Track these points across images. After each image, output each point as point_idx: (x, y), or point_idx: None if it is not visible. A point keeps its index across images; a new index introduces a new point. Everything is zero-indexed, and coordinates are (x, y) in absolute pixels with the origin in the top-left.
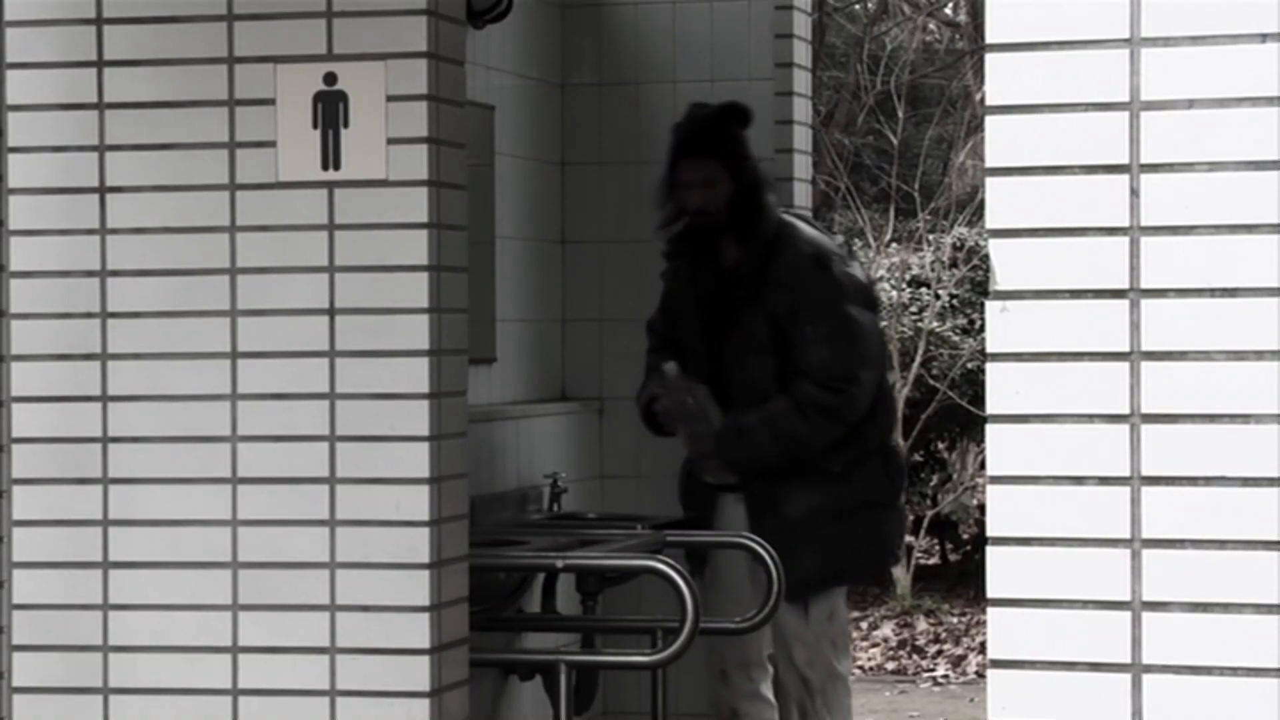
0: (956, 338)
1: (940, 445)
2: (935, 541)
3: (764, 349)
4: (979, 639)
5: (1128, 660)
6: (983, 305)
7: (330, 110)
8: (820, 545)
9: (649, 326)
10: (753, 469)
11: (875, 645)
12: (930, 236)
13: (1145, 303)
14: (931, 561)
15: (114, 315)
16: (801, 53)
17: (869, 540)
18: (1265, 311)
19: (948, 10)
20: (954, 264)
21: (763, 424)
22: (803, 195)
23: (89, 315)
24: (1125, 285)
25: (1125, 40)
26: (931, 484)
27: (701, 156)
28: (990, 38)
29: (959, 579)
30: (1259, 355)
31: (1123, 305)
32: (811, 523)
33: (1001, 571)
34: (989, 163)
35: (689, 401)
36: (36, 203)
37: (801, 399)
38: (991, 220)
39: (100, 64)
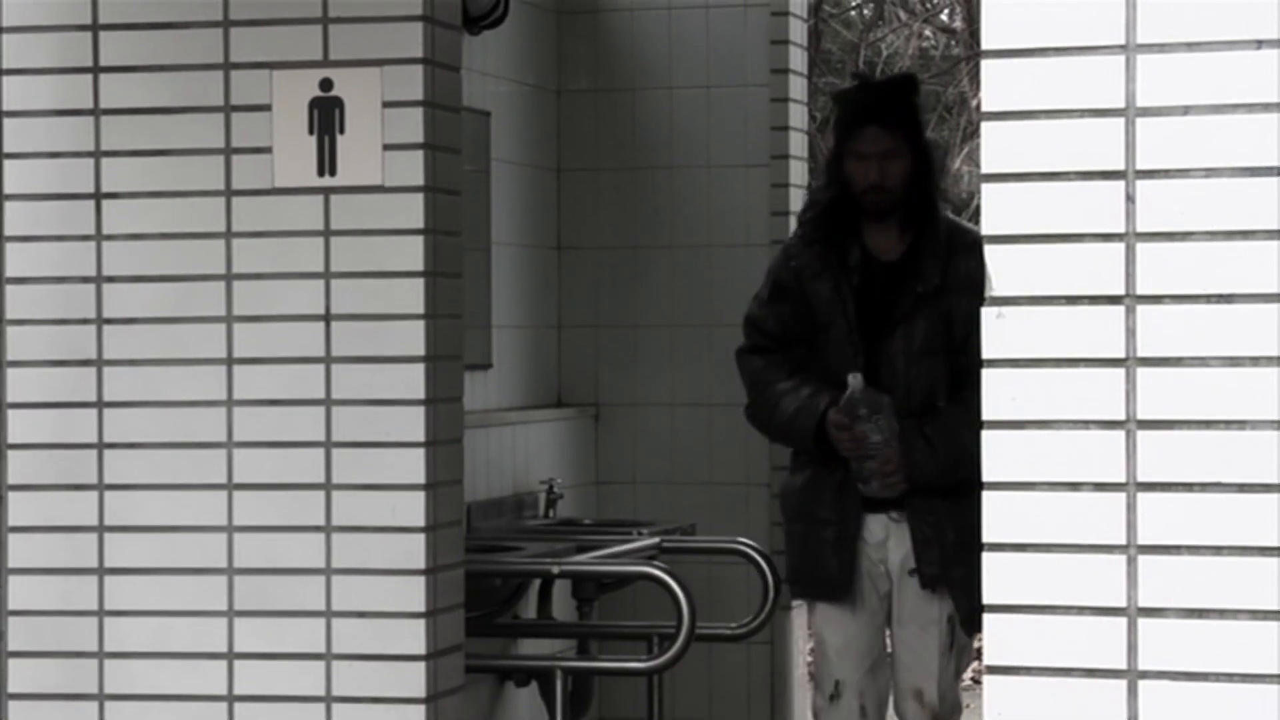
0: None
1: None
2: None
3: (938, 351)
4: (975, 645)
5: (1124, 666)
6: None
7: (326, 116)
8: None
9: (753, 323)
10: (930, 484)
11: None
12: None
13: (1141, 309)
14: None
15: (110, 321)
16: (797, 59)
17: None
18: (1262, 318)
19: (944, 16)
20: None
21: (969, 441)
22: (798, 201)
23: (85, 321)
24: (1121, 291)
25: (1121, 46)
26: None
27: (884, 125)
28: (986, 44)
29: None
30: (1255, 361)
31: (1119, 311)
32: (978, 550)
33: (997, 577)
34: (985, 168)
35: (877, 423)
36: (32, 208)
37: None
38: (987, 226)
39: (96, 69)
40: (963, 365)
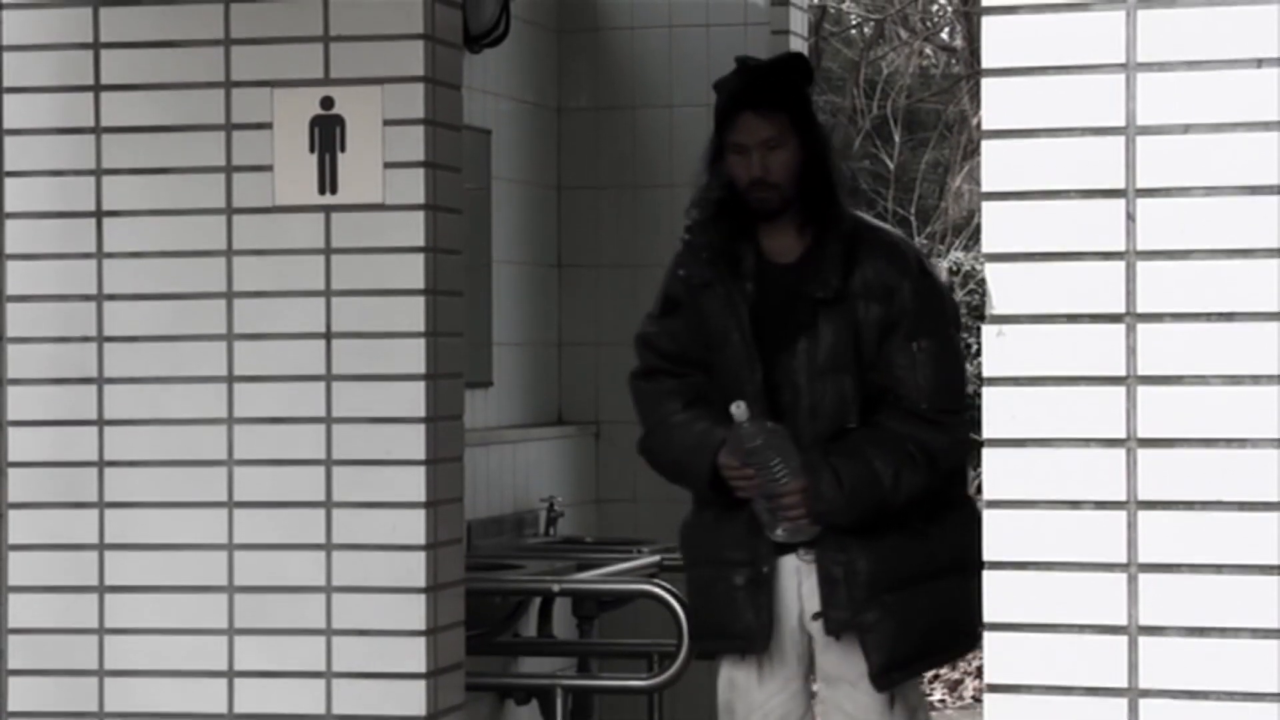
0: None
1: None
2: None
3: (844, 367)
4: (976, 663)
5: (1124, 685)
6: (979, 329)
7: (327, 134)
8: (908, 619)
9: (645, 342)
10: (840, 522)
11: None
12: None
13: (1142, 327)
14: None
15: (110, 339)
16: None
17: (960, 609)
18: (1262, 336)
19: (944, 35)
20: (950, 288)
21: (882, 471)
22: None
23: (85, 339)
24: (1122, 309)
25: (1121, 65)
26: None
27: (764, 111)
28: (987, 62)
29: None
30: (1255, 380)
31: (1119, 329)
32: (897, 591)
33: (998, 595)
34: (985, 187)
35: (772, 462)
36: (33, 227)
37: (906, 434)
38: (988, 244)
39: (97, 88)
40: (875, 383)
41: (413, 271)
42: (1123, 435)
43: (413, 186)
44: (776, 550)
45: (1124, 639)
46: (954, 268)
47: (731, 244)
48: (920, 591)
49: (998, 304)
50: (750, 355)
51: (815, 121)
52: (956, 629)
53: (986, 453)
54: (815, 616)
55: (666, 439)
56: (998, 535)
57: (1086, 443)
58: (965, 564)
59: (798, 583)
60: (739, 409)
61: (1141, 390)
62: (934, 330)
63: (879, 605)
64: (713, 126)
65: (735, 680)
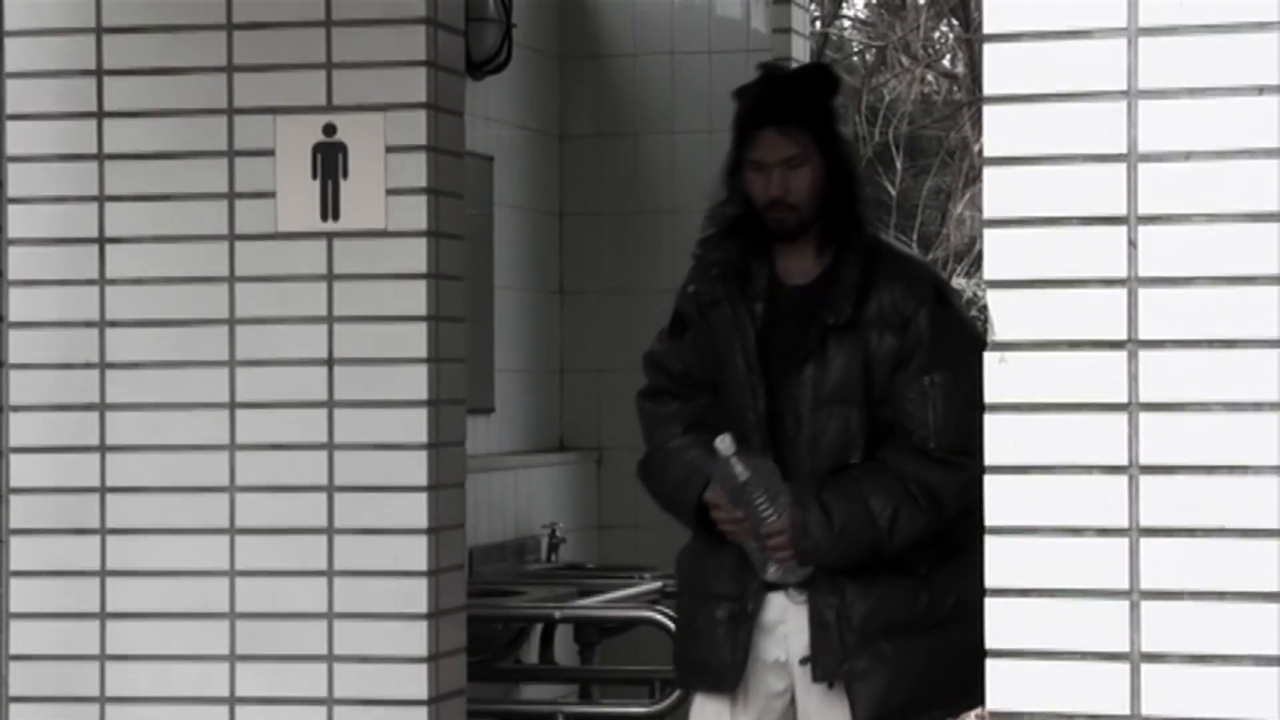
0: None
1: None
2: None
3: (851, 398)
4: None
5: (1127, 712)
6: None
7: (329, 161)
8: (902, 669)
9: (652, 361)
10: (828, 563)
11: None
12: None
13: (1144, 354)
14: None
15: (113, 366)
16: None
17: (960, 661)
18: (1264, 363)
19: (945, 62)
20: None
21: (878, 510)
22: None
23: (88, 366)
24: (1123, 336)
25: (1123, 92)
26: None
27: (786, 127)
28: (988, 89)
29: None
30: (1258, 407)
31: (1121, 356)
32: (893, 638)
33: (1000, 623)
34: (987, 214)
35: (758, 499)
36: (36, 253)
37: (909, 473)
38: (989, 271)
39: (100, 115)
40: (883, 417)
41: (415, 298)
42: (1125, 462)
43: (415, 213)
44: (766, 588)
45: (1126, 666)
46: None
47: (744, 262)
48: (919, 641)
49: (999, 331)
50: (754, 380)
51: (840, 138)
52: (955, 684)
53: (988, 479)
54: (803, 661)
55: (662, 465)
56: (999, 562)
57: (1088, 469)
58: (971, 613)
59: (784, 623)
60: (724, 443)
61: (1143, 417)
62: (949, 364)
63: (872, 653)
64: (732, 139)
65: (706, 715)
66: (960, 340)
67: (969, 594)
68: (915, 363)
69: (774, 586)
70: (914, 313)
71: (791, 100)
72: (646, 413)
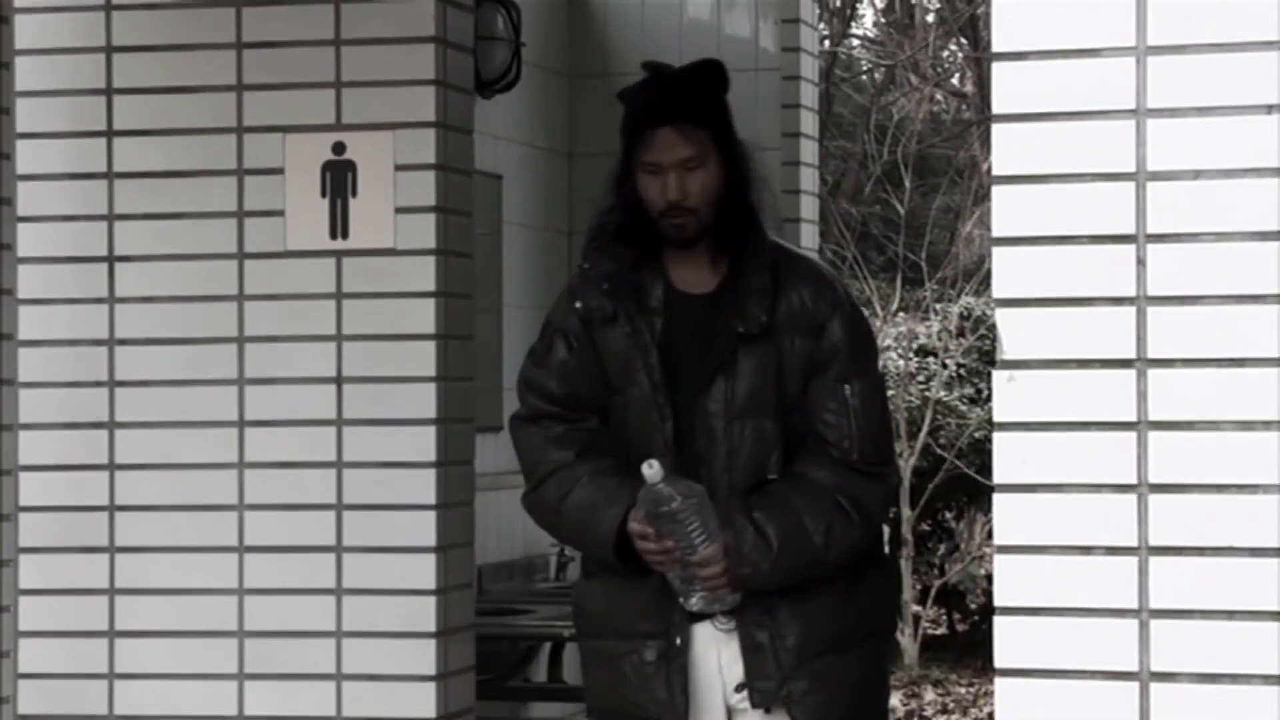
0: (964, 407)
1: (947, 515)
2: (942, 611)
3: (764, 409)
4: (987, 709)
5: None
6: (990, 375)
7: (338, 179)
8: (838, 686)
9: (529, 384)
10: (767, 586)
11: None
12: (937, 306)
13: (1152, 373)
14: (939, 631)
15: (122, 384)
16: (809, 123)
17: (877, 679)
18: (1273, 382)
19: (954, 81)
20: (961, 333)
21: (812, 527)
22: None
23: (97, 384)
24: (1132, 355)
25: (1131, 111)
26: (939, 554)
27: (683, 126)
28: (997, 108)
29: (966, 649)
30: (1266, 425)
31: (1130, 375)
32: (826, 656)
33: (1009, 641)
34: (995, 232)
35: (689, 526)
36: (45, 272)
37: (835, 486)
38: (998, 290)
39: (110, 134)
40: (798, 427)
41: (423, 316)
42: (1134, 480)
43: (424, 231)
44: (690, 619)
45: (1135, 685)
46: (965, 313)
47: (636, 273)
48: (850, 657)
49: (1008, 349)
50: (659, 399)
51: (736, 138)
52: (882, 700)
53: (997, 498)
54: (739, 688)
55: (563, 496)
56: (1009, 580)
57: (1097, 488)
58: (889, 624)
59: (717, 653)
60: (652, 469)
61: (1152, 435)
62: (865, 371)
63: (808, 673)
64: (621, 142)
65: None
66: (870, 346)
67: (886, 606)
68: (834, 370)
69: (698, 616)
70: (827, 317)
71: (687, 98)
72: (527, 439)
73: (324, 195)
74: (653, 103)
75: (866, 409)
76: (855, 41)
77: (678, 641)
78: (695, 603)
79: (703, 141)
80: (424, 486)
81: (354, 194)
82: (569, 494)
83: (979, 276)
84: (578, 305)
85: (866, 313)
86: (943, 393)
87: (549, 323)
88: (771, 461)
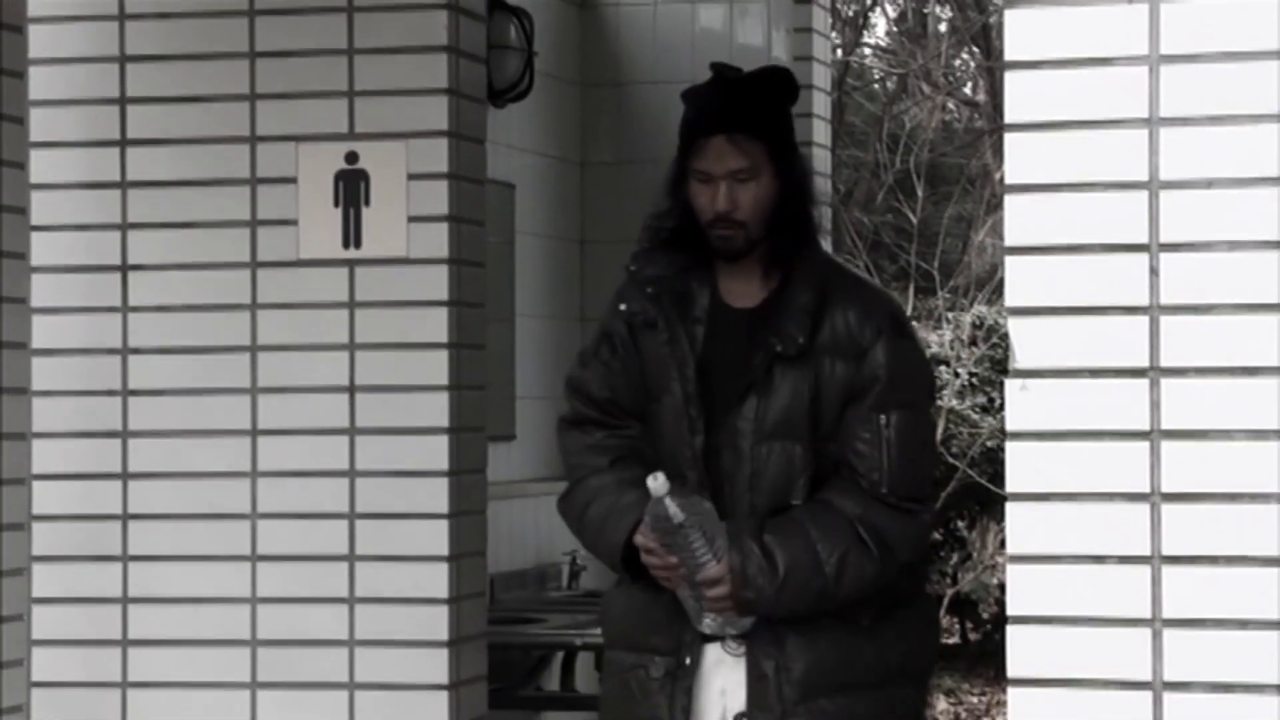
0: (976, 416)
1: (960, 524)
2: (955, 620)
3: (795, 433)
4: (1000, 719)
5: None
6: (1002, 383)
7: (351, 188)
8: None
9: (574, 386)
10: (769, 613)
11: None
12: (950, 315)
13: (1165, 381)
14: (951, 640)
15: (135, 393)
16: (821, 131)
17: None
18: None
19: (967, 90)
20: (973, 342)
21: (825, 555)
22: None
23: (110, 393)
24: (1145, 364)
25: (1144, 120)
26: (951, 563)
27: (736, 136)
28: (1009, 117)
29: (979, 658)
30: (1279, 435)
31: (1143, 384)
32: (835, 696)
33: (1022, 651)
34: (1008, 241)
35: (694, 544)
36: (59, 281)
37: (858, 515)
38: (1011, 299)
39: (123, 143)
40: (831, 455)
41: (436, 325)
42: (1147, 489)
43: (436, 240)
44: (703, 639)
45: (1148, 694)
46: (977, 322)
47: (683, 280)
48: (864, 700)
49: (1021, 358)
50: (691, 412)
51: (795, 151)
52: None
53: (1010, 507)
54: (739, 717)
55: (587, 502)
56: (1022, 590)
57: (1110, 497)
58: (917, 672)
59: (722, 677)
60: (657, 481)
61: (1165, 445)
62: (906, 403)
63: (812, 711)
64: (678, 146)
65: None
66: (917, 377)
67: (915, 652)
68: (871, 399)
69: (709, 637)
70: (871, 343)
71: (744, 107)
72: (569, 442)
73: (337, 204)
74: (708, 108)
75: (903, 442)
76: (867, 50)
77: (687, 661)
78: (708, 624)
79: (757, 153)
80: (436, 495)
81: (367, 203)
82: (592, 502)
83: (991, 285)
84: (622, 308)
85: None
86: (955, 401)
87: (600, 324)
88: (798, 487)
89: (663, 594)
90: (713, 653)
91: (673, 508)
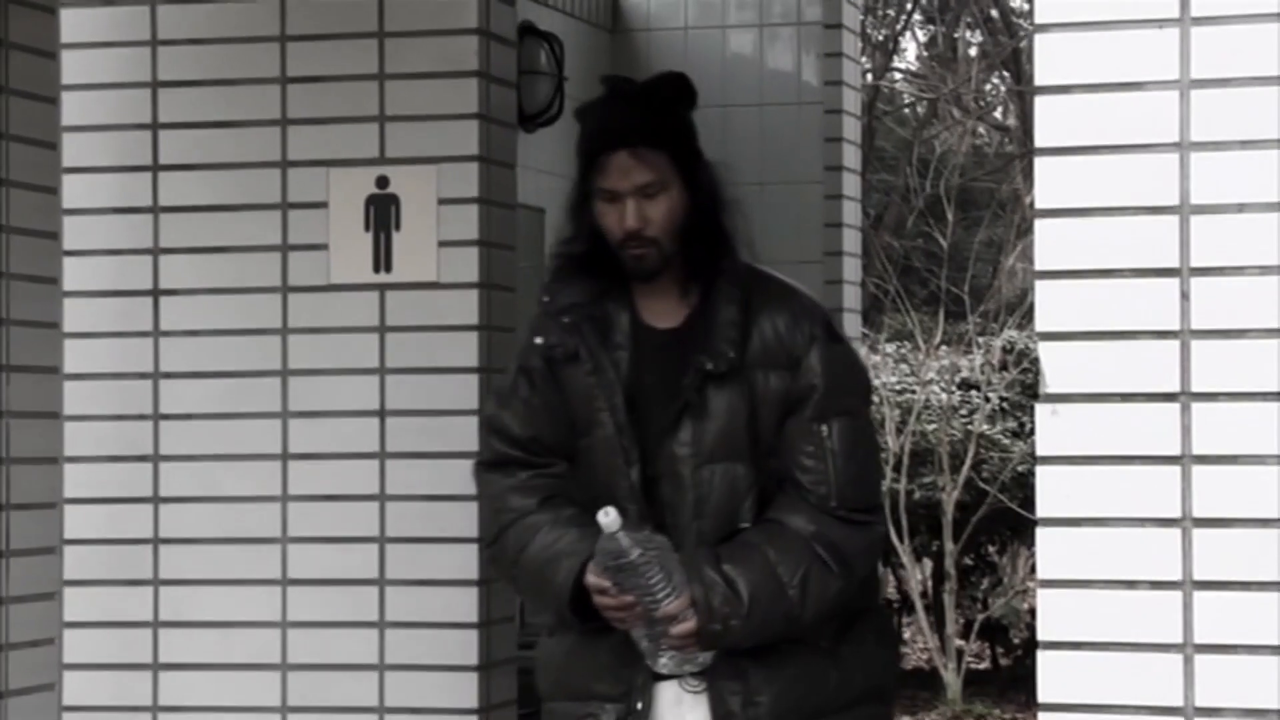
0: (1007, 440)
1: (990, 548)
2: (986, 645)
3: (736, 452)
4: None
5: None
6: (1033, 408)
7: (382, 213)
8: None
9: (495, 427)
10: (737, 645)
11: None
12: (980, 339)
13: (1196, 406)
14: (982, 666)
15: (166, 417)
16: (851, 156)
17: None
18: None
19: (997, 114)
20: (1004, 367)
21: (786, 578)
22: (853, 298)
23: (142, 417)
24: (1176, 389)
25: (1175, 144)
26: (982, 588)
27: (639, 150)
28: (1039, 141)
29: (1010, 683)
30: None
31: (1174, 409)
32: None
33: (1053, 676)
34: (1038, 265)
35: (652, 580)
36: (91, 305)
37: (812, 534)
38: (1041, 323)
39: (155, 168)
40: (773, 471)
41: (466, 349)
42: (1178, 515)
43: (467, 265)
44: (655, 679)
45: None
46: (1008, 346)
47: (600, 306)
48: None
49: (1051, 383)
50: (625, 443)
51: (701, 159)
52: None
53: (1040, 532)
54: None
55: (521, 546)
56: (1052, 615)
57: (1141, 522)
58: (881, 687)
59: (680, 718)
60: (609, 517)
61: (1196, 470)
62: (846, 409)
63: None
64: (577, 166)
65: None
66: (855, 382)
67: (876, 669)
68: (810, 409)
69: (663, 677)
70: (804, 350)
71: (643, 118)
72: (490, 486)
73: (367, 229)
74: (606, 124)
75: (847, 451)
76: (898, 75)
77: (639, 706)
78: (665, 663)
79: (662, 165)
80: (467, 520)
81: (397, 228)
82: (527, 546)
83: (1021, 310)
84: (538, 341)
85: (908, 346)
86: (985, 426)
87: (514, 360)
88: (744, 509)
89: (605, 637)
90: (668, 692)
91: (627, 542)
